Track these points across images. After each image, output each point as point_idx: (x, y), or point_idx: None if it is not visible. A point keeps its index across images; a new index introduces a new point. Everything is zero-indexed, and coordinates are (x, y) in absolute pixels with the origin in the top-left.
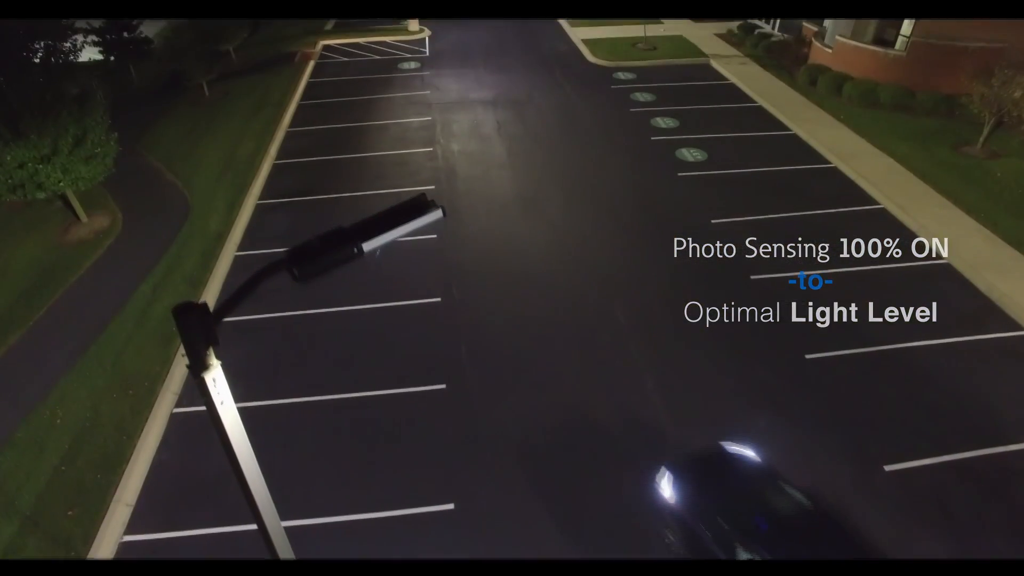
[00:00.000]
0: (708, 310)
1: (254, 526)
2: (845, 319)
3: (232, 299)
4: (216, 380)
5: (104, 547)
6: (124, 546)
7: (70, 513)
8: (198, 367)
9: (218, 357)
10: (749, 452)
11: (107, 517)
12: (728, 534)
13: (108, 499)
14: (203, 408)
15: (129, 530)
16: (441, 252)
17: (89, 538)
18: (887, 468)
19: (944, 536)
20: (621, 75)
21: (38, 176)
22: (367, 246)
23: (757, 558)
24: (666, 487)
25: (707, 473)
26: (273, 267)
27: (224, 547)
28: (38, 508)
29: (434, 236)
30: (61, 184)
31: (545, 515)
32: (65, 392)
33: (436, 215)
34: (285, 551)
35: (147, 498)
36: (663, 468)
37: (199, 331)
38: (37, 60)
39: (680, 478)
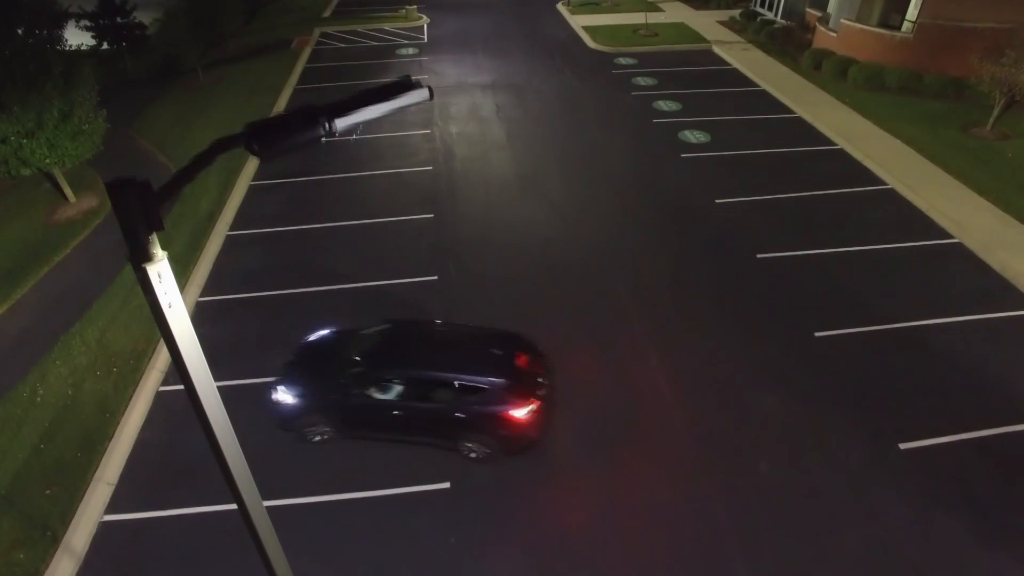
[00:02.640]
0: (714, 288)
1: (236, 506)
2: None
3: (180, 175)
4: (161, 275)
5: (82, 527)
6: (104, 526)
7: (48, 492)
8: (139, 256)
9: (164, 247)
10: (325, 331)
11: (87, 496)
12: (344, 386)
13: (88, 478)
14: None
15: (109, 509)
16: (437, 231)
17: (67, 517)
18: (902, 446)
19: (965, 515)
20: (622, 60)
21: (23, 152)
22: (341, 123)
23: (372, 391)
24: (283, 396)
25: (306, 363)
26: (229, 141)
27: (206, 528)
28: (14, 487)
29: (431, 216)
30: (48, 161)
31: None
32: (46, 370)
33: (421, 95)
34: (266, 529)
35: (129, 477)
36: (271, 389)
37: (139, 212)
38: (20, 31)
39: (288, 384)
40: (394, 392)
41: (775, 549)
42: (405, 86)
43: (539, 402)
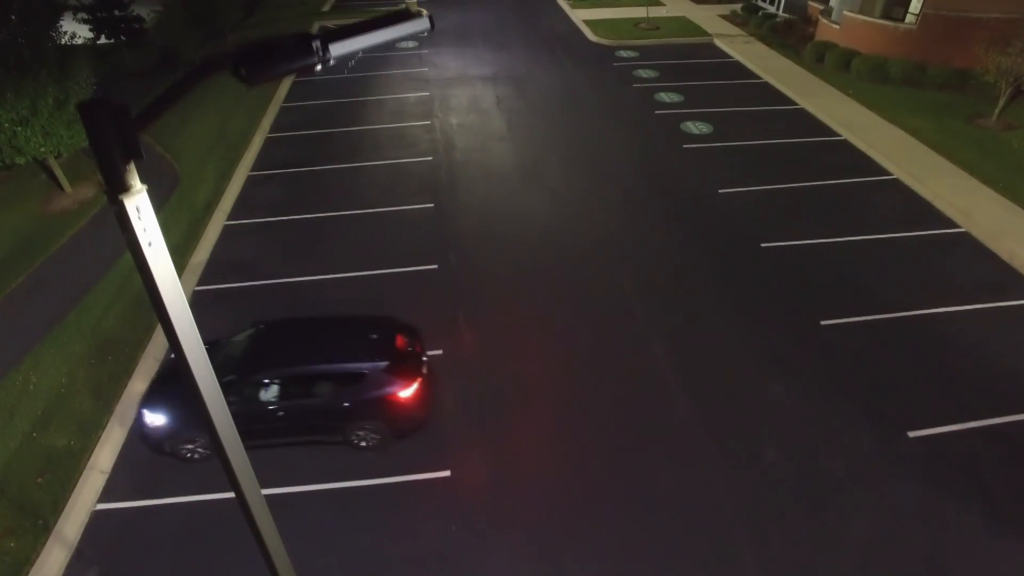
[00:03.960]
0: (718, 278)
1: (232, 494)
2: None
3: (162, 99)
4: (140, 209)
5: (75, 515)
6: (97, 514)
7: (39, 480)
8: (115, 186)
9: (143, 180)
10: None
11: (79, 484)
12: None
13: (81, 466)
14: None
15: (103, 498)
16: (437, 221)
17: (59, 506)
18: (911, 434)
19: (974, 503)
20: (623, 53)
21: (17, 140)
22: (336, 49)
23: (251, 397)
24: (154, 418)
25: (174, 380)
26: (215, 63)
27: (201, 516)
28: (5, 475)
29: (431, 205)
30: (43, 149)
31: (550, 484)
32: (40, 358)
33: (421, 24)
34: (264, 518)
35: (123, 465)
36: (140, 412)
37: (115, 138)
38: (13, 17)
39: (156, 405)
40: (274, 394)
41: (783, 538)
42: (404, 16)
43: (422, 380)
